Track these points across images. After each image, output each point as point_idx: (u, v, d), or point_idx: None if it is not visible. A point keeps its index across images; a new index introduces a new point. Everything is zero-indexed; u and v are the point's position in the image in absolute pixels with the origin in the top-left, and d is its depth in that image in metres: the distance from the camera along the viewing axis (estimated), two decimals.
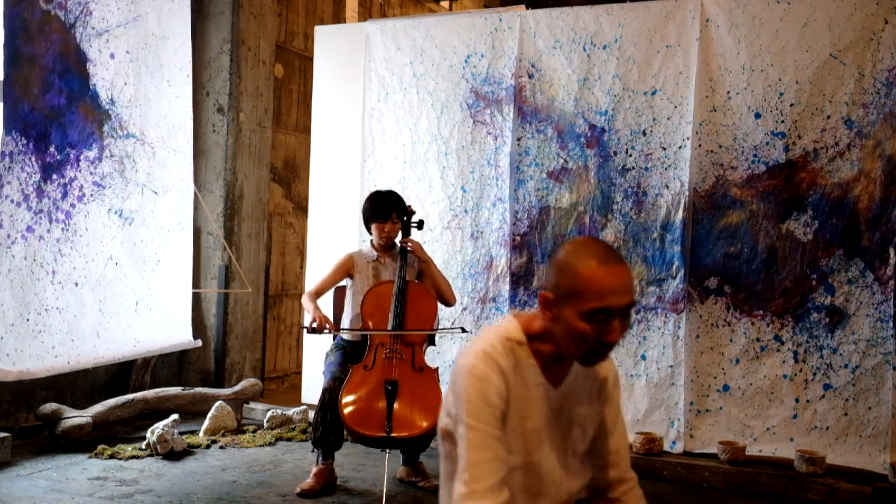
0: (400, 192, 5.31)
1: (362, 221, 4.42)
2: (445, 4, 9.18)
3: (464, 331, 4.51)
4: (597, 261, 1.73)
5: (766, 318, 4.62)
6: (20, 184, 4.33)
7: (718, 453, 4.55)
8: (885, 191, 4.42)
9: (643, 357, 4.85)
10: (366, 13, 7.67)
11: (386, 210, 4.27)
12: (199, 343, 5.65)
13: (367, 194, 4.68)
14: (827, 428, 4.49)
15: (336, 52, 5.81)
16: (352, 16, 7.58)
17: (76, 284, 4.69)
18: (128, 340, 5.03)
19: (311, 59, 6.25)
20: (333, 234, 5.61)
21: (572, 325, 1.74)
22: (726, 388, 4.69)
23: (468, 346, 1.86)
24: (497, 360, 1.78)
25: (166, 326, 5.32)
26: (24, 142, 4.34)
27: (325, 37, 5.93)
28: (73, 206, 4.65)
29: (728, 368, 4.69)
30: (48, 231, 4.51)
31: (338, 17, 7.41)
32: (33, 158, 4.41)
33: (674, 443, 4.75)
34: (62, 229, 4.60)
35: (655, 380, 4.82)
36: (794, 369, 4.57)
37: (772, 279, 4.62)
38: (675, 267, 4.79)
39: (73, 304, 4.66)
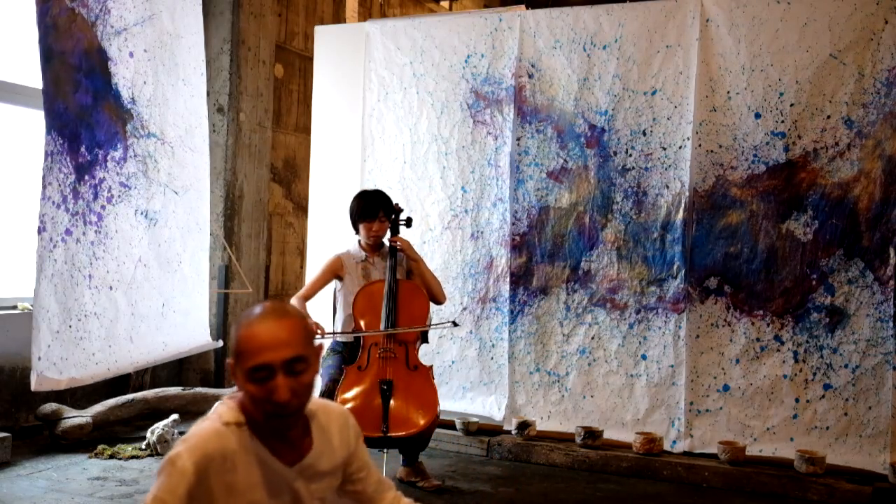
0: (400, 192, 5.35)
1: (350, 221, 4.40)
2: (445, 4, 9.18)
3: (455, 325, 4.47)
4: (255, 319, 1.75)
5: (766, 318, 4.62)
6: (59, 185, 4.27)
7: (718, 453, 4.55)
8: (885, 191, 4.42)
9: (644, 357, 4.85)
10: (366, 13, 7.67)
11: (373, 209, 4.26)
12: (221, 343, 5.61)
13: None
14: (827, 428, 4.49)
15: (336, 52, 5.80)
16: (352, 16, 7.58)
17: (111, 288, 4.63)
18: (157, 344, 4.97)
19: (311, 59, 6.25)
20: (333, 234, 5.59)
21: (245, 388, 1.74)
22: (726, 388, 4.69)
23: (192, 429, 1.82)
24: (202, 453, 1.73)
25: (189, 328, 5.29)
26: (61, 142, 4.28)
27: (325, 37, 5.93)
28: (103, 207, 4.60)
29: (728, 368, 4.69)
30: (83, 234, 4.45)
31: (338, 17, 7.41)
32: (68, 159, 4.34)
33: (674, 442, 4.75)
34: (95, 231, 4.54)
35: (656, 380, 4.82)
36: (794, 369, 4.57)
37: (772, 279, 4.62)
38: (675, 267, 4.79)
39: (108, 309, 4.61)
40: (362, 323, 4.15)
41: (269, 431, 1.81)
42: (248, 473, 1.78)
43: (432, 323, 4.41)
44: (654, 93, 4.84)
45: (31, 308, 4.86)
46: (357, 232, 4.36)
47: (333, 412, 1.98)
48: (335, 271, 4.33)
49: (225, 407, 1.85)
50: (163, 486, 1.71)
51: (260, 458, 1.80)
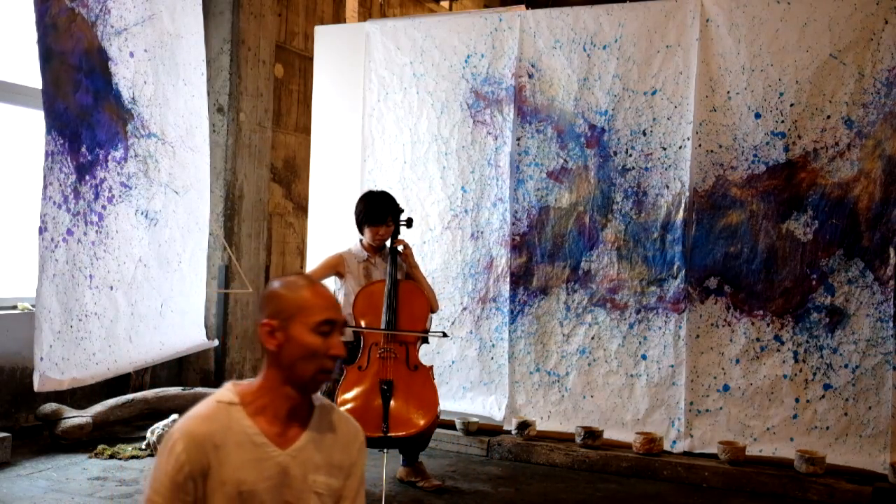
0: (400, 192, 5.34)
1: (355, 222, 4.40)
2: (445, 4, 9.18)
3: (444, 335, 4.44)
4: (309, 282, 1.94)
5: (766, 318, 4.62)
6: (60, 185, 4.27)
7: (718, 453, 4.55)
8: (885, 191, 4.42)
9: (644, 357, 4.85)
10: (366, 13, 7.67)
11: (382, 215, 4.28)
12: (216, 343, 5.61)
13: None
14: (827, 428, 4.49)
15: (336, 52, 5.80)
16: (352, 16, 7.58)
17: (111, 288, 4.62)
18: (155, 343, 4.96)
19: (311, 59, 6.25)
20: (333, 234, 5.60)
21: (303, 342, 1.85)
22: (726, 388, 4.69)
23: (189, 411, 1.90)
24: (196, 434, 1.82)
25: (185, 328, 5.28)
26: (61, 142, 4.28)
27: (325, 37, 5.93)
28: (104, 207, 4.59)
29: (728, 368, 4.69)
30: (84, 234, 4.45)
31: (338, 17, 7.41)
32: (69, 159, 4.34)
33: (674, 442, 4.75)
34: (96, 231, 4.53)
35: (656, 379, 4.82)
36: (794, 369, 4.57)
37: (772, 279, 4.62)
38: (675, 267, 4.79)
39: (109, 309, 4.60)
40: (363, 323, 4.16)
41: (272, 416, 1.87)
42: (238, 451, 1.83)
43: (431, 326, 4.41)
44: (654, 93, 4.84)
45: (31, 308, 4.87)
46: (361, 232, 4.37)
47: (350, 421, 2.02)
48: (336, 267, 4.35)
49: (223, 389, 1.92)
50: (160, 475, 1.80)
51: (250, 437, 1.85)
